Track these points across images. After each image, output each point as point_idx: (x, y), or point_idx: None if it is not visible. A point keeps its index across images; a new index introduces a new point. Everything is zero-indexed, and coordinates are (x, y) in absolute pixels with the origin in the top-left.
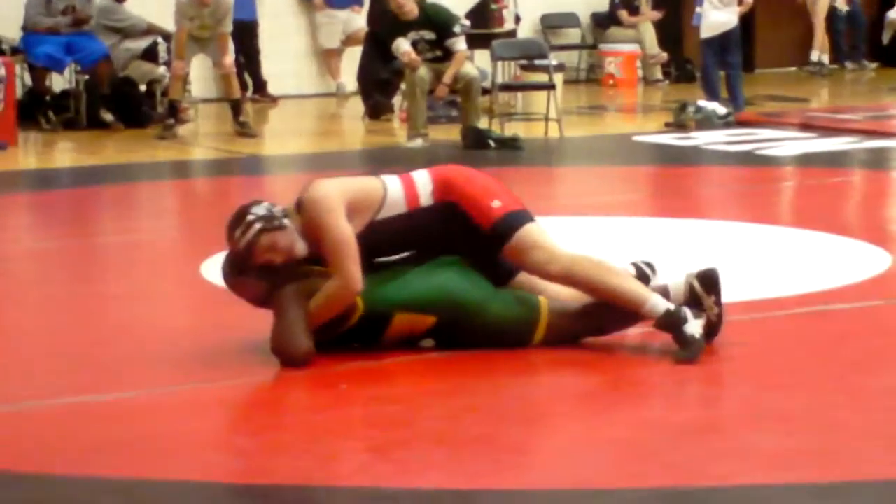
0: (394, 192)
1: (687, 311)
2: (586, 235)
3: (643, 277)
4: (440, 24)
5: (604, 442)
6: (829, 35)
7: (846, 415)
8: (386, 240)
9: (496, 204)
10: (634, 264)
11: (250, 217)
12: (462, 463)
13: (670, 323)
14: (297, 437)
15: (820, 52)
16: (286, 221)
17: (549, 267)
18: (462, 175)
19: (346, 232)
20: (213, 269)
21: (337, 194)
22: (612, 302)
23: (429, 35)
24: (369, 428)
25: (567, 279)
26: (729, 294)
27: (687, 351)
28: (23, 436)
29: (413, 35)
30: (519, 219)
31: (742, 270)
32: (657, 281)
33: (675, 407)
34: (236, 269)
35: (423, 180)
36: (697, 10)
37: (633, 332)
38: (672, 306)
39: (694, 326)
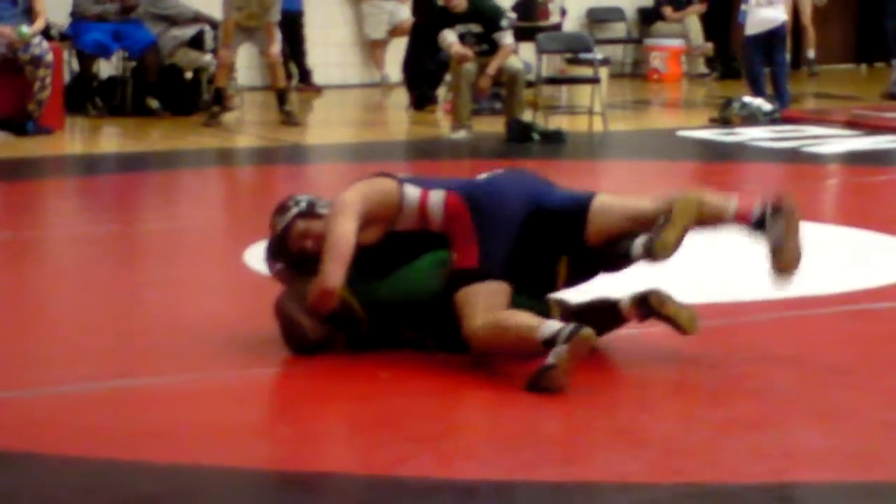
0: (409, 207)
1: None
2: None
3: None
4: (488, 17)
5: (644, 437)
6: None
7: (889, 415)
8: (396, 251)
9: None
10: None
11: (290, 203)
12: (502, 455)
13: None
14: (337, 427)
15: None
16: (324, 212)
17: (464, 332)
18: (467, 216)
19: (341, 234)
20: (255, 256)
21: (357, 200)
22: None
23: (476, 28)
24: (409, 418)
25: (478, 344)
26: (772, 291)
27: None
28: (66, 420)
29: (460, 28)
30: (463, 280)
31: None
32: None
33: (715, 404)
34: (273, 253)
35: (436, 205)
36: (742, 7)
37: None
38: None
39: (553, 354)
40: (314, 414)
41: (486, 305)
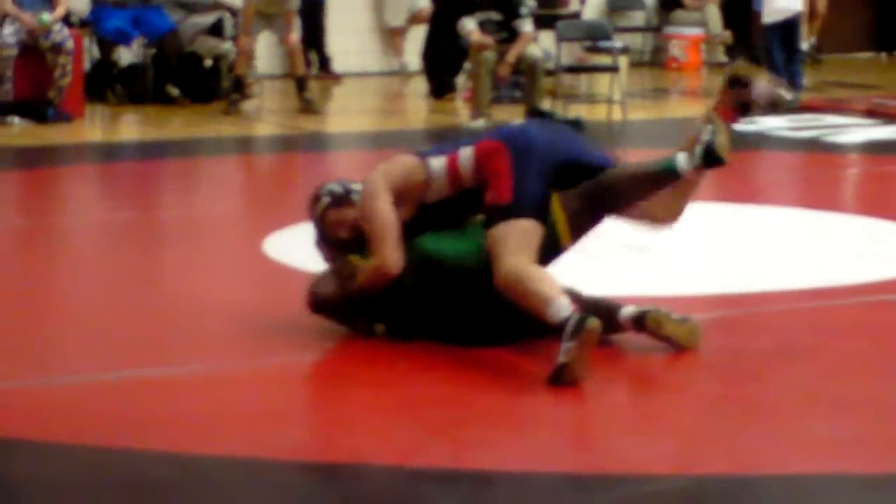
0: (437, 176)
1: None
2: None
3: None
4: (507, 5)
5: (660, 427)
6: None
7: None
8: (435, 222)
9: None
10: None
11: (321, 193)
12: (520, 444)
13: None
14: (355, 415)
15: (813, 38)
16: (356, 198)
17: (495, 272)
18: (502, 153)
19: (384, 215)
20: (275, 245)
21: (382, 181)
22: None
23: (496, 16)
24: (427, 407)
25: (502, 288)
26: (791, 281)
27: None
28: (82, 408)
29: (480, 15)
30: (496, 217)
31: (804, 258)
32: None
33: (731, 394)
34: (318, 239)
35: (466, 158)
36: None
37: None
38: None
39: (563, 352)
40: (330, 402)
41: (516, 246)
